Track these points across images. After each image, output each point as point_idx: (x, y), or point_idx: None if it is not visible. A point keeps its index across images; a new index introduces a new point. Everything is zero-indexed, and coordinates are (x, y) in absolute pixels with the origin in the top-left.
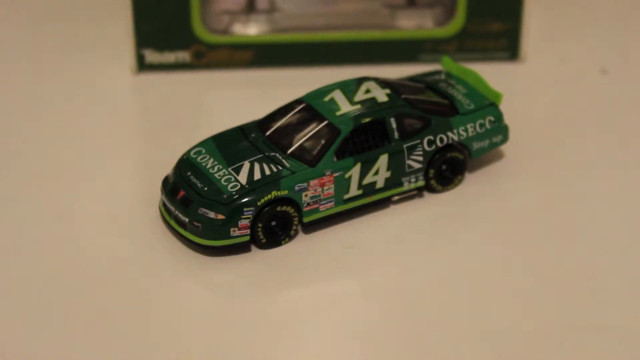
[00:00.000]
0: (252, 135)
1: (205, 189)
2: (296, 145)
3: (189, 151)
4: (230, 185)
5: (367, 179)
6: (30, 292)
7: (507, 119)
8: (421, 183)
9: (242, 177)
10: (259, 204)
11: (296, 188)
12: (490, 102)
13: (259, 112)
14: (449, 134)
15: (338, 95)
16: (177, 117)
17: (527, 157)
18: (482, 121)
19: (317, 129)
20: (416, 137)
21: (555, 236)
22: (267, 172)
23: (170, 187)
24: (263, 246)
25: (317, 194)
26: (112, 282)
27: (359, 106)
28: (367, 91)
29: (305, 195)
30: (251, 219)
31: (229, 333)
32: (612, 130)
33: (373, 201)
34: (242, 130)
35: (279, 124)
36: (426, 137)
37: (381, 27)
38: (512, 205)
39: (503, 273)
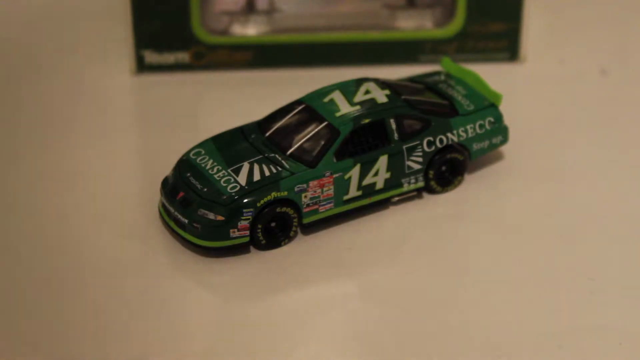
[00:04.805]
0: (252, 136)
1: (205, 190)
2: (296, 146)
3: (189, 152)
4: (230, 186)
5: (367, 180)
6: (30, 292)
7: (507, 120)
8: (421, 184)
9: (242, 178)
10: (258, 205)
11: (296, 189)
12: (490, 103)
13: (259, 112)
14: (449, 134)
15: (338, 96)
16: (176, 118)
17: (527, 157)
18: (482, 122)
19: (316, 129)
20: (416, 138)
21: (554, 236)
22: (267, 173)
23: (169, 188)
24: (262, 247)
25: (316, 195)
26: (111, 282)
27: (358, 107)
28: (367, 92)
29: (305, 197)
30: (251, 220)
31: (228, 334)
32: (612, 130)
33: (373, 202)
34: (241, 131)
35: (278, 124)
36: (426, 138)
37: (381, 27)
38: (512, 206)
39: (502, 273)
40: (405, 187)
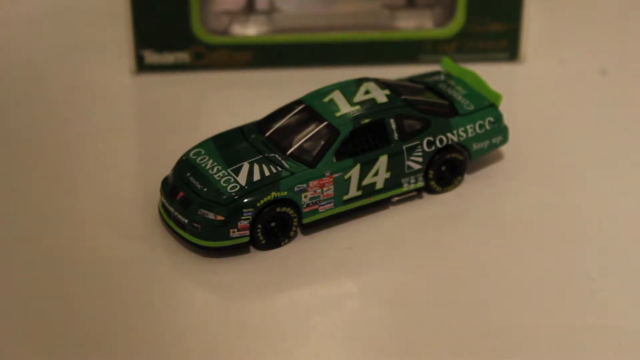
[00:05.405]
0: (252, 136)
1: (205, 190)
2: (296, 146)
3: (189, 152)
4: (230, 186)
5: (367, 180)
6: (29, 293)
7: (507, 120)
8: (421, 184)
9: (242, 178)
10: (258, 205)
11: (296, 189)
12: (489, 102)
13: (259, 112)
14: (449, 134)
15: (338, 96)
16: (176, 118)
17: (527, 157)
18: (481, 122)
19: (316, 129)
20: (416, 138)
21: (554, 236)
22: (267, 173)
23: (169, 188)
24: (262, 247)
25: (316, 195)
26: (111, 283)
27: (358, 107)
28: (367, 92)
29: (305, 196)
30: (250, 220)
31: (228, 334)
32: (612, 130)
33: (372, 202)
34: (241, 131)
35: (278, 124)
36: (426, 138)
37: (381, 27)
38: (512, 205)
39: (502, 273)
40: (405, 187)
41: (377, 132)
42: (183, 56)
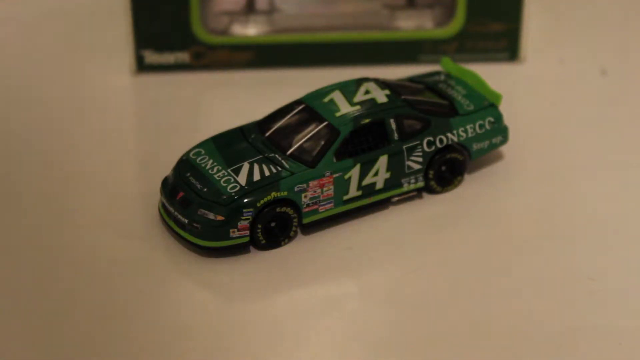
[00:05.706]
0: (252, 136)
1: (205, 190)
2: (296, 146)
3: (189, 152)
4: (230, 186)
5: (367, 180)
6: (29, 293)
7: (507, 120)
8: (421, 184)
9: (242, 178)
10: (258, 205)
11: (296, 189)
12: (489, 103)
13: (259, 112)
14: (449, 134)
15: (338, 96)
16: (176, 118)
17: (527, 157)
18: (481, 122)
19: (316, 129)
20: (416, 138)
21: (554, 236)
22: (267, 173)
23: (169, 188)
24: (262, 247)
25: (316, 195)
26: (111, 283)
27: (358, 107)
28: (367, 92)
29: (305, 197)
30: (250, 220)
31: (228, 334)
32: (612, 130)
33: (372, 202)
34: (241, 131)
35: (278, 124)
36: (426, 138)
37: (381, 27)
38: (512, 206)
39: (502, 274)
40: (405, 187)
41: (377, 132)
42: (183, 56)
